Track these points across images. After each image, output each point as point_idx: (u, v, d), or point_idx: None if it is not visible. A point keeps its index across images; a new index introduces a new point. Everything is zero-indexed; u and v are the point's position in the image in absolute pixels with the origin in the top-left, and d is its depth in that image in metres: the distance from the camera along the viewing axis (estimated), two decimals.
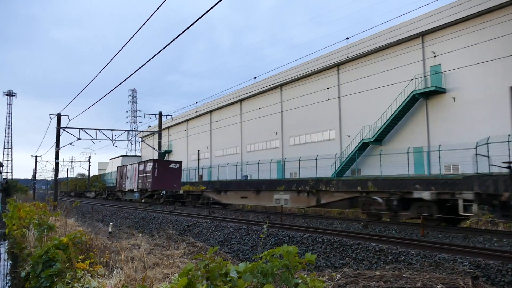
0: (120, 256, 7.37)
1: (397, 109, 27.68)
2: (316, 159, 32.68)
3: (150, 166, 29.72)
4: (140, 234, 11.51)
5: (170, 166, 29.96)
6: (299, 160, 34.31)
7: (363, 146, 30.08)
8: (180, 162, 31.45)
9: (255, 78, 26.29)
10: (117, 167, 40.81)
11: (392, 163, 27.10)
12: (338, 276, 5.73)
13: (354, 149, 30.43)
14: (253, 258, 8.11)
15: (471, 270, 5.99)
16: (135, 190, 32.71)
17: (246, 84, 42.87)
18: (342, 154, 32.57)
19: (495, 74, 23.39)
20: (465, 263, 6.35)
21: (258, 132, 43.94)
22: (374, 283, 5.58)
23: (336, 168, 31.67)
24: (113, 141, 34.14)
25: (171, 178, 29.23)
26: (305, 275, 4.10)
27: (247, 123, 44.97)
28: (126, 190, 35.37)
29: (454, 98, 25.56)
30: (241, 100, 46.88)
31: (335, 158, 32.22)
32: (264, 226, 5.93)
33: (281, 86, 40.25)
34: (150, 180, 29.18)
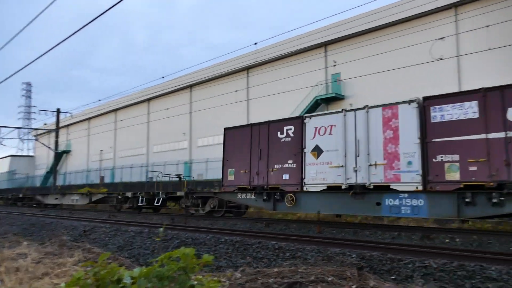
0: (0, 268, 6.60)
1: (301, 113, 29.23)
2: None
3: None
4: (25, 242, 10.45)
5: None
6: (207, 162, 34.27)
7: None
8: None
9: (163, 77, 25.56)
10: (225, 129, 15.53)
11: None
12: (239, 275, 5.84)
13: None
14: (149, 262, 7.87)
15: (357, 262, 6.56)
16: (405, 188, 10.67)
17: (155, 83, 41.58)
18: None
19: (385, 84, 26.03)
20: (353, 256, 6.93)
21: (165, 133, 42.84)
22: (272, 279, 5.78)
23: None
24: (1, 139, 30.54)
25: None
26: (201, 277, 4.10)
27: (154, 123, 43.58)
28: (311, 186, 12.49)
29: (351, 105, 27.81)
30: (149, 100, 45.30)
31: None
32: (160, 229, 5.81)
33: (191, 86, 39.80)
34: None
